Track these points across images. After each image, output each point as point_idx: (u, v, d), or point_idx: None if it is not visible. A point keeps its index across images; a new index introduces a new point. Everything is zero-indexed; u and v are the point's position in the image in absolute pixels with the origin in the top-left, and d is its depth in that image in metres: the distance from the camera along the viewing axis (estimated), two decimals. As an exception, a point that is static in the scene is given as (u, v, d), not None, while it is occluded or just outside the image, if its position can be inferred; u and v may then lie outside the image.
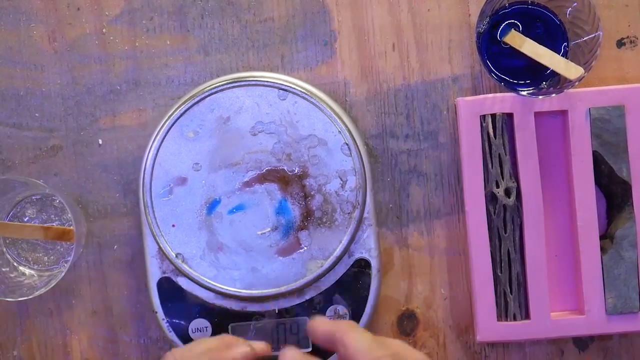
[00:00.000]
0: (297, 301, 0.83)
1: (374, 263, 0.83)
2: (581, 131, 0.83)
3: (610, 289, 0.83)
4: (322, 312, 0.83)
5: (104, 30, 0.85)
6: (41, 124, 0.86)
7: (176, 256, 0.82)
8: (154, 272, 0.83)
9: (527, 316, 0.83)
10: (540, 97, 0.81)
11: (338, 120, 0.82)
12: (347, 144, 0.82)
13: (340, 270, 0.83)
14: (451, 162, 0.86)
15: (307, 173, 0.82)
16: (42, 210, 0.85)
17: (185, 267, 0.82)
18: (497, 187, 0.83)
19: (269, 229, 0.82)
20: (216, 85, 0.83)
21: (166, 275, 0.83)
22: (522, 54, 0.81)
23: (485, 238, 0.83)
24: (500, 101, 0.83)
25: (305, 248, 0.82)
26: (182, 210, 0.82)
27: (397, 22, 0.85)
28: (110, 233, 0.86)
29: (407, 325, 0.86)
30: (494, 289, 0.83)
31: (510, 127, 0.84)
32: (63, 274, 0.81)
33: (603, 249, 0.83)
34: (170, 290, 0.83)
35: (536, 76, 0.83)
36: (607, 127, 0.83)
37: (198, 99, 0.82)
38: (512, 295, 0.83)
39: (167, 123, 0.82)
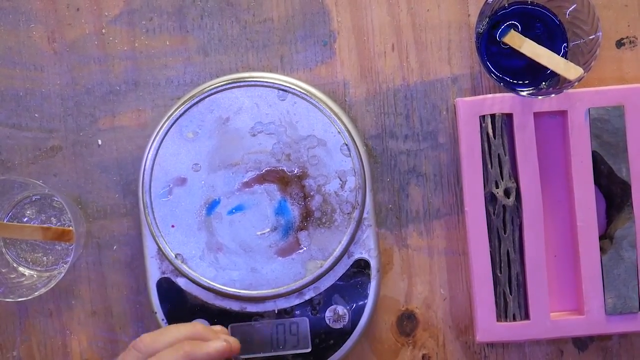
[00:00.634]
0: (297, 301, 0.83)
1: (373, 263, 0.83)
2: (581, 131, 0.83)
3: (610, 289, 0.83)
4: (322, 312, 0.83)
5: (103, 30, 0.85)
6: (41, 125, 0.86)
7: (176, 257, 0.82)
8: (154, 273, 0.83)
9: (526, 316, 0.83)
10: (540, 97, 0.81)
11: (337, 120, 0.82)
12: (346, 145, 0.82)
13: (340, 271, 0.83)
14: (450, 162, 0.86)
15: (307, 173, 0.82)
16: (41, 210, 0.85)
17: (184, 268, 0.82)
18: (497, 187, 0.83)
19: (268, 229, 0.82)
20: (216, 85, 0.83)
21: (166, 275, 0.83)
22: (522, 54, 0.81)
23: (484, 238, 0.83)
24: (500, 101, 0.83)
25: (305, 248, 0.82)
26: (182, 211, 0.82)
27: (396, 23, 0.85)
28: (109, 233, 0.86)
29: (406, 326, 0.86)
30: (493, 289, 0.83)
31: (509, 127, 0.84)
32: (62, 274, 0.81)
33: (602, 249, 0.83)
34: (169, 291, 0.83)
35: (535, 77, 0.83)
36: (607, 127, 0.83)
37: (197, 99, 0.82)
38: (512, 295, 0.83)
39: (166, 123, 0.82)
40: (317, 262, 0.82)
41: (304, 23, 0.85)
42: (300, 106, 0.82)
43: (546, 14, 0.83)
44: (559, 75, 0.81)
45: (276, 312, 0.83)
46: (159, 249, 0.82)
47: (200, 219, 0.82)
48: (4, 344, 0.86)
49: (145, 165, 0.82)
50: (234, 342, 0.74)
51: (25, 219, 0.85)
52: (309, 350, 0.83)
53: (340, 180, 0.82)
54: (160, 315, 0.83)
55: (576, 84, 0.80)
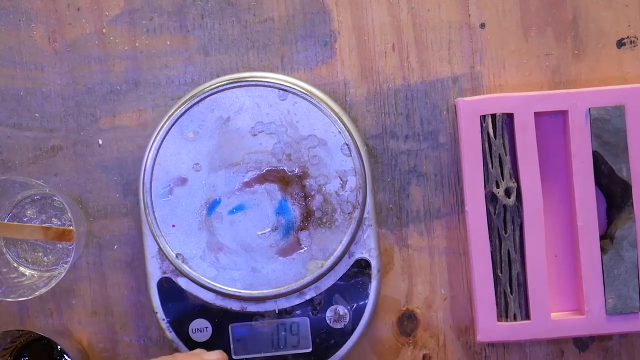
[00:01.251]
0: (297, 301, 0.83)
1: (374, 263, 0.83)
2: (581, 131, 0.83)
3: (610, 289, 0.83)
4: (322, 312, 0.83)
5: (104, 30, 0.85)
6: (41, 124, 0.86)
7: (176, 256, 0.82)
8: (154, 273, 0.83)
9: (527, 316, 0.83)
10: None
11: (338, 120, 0.82)
12: (347, 144, 0.82)
13: (340, 271, 0.83)
14: (451, 162, 0.86)
15: (307, 173, 0.82)
16: (42, 210, 0.85)
17: (185, 268, 0.82)
18: (497, 187, 0.83)
19: (269, 229, 0.82)
20: (216, 85, 0.83)
21: (166, 275, 0.83)
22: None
23: (485, 238, 0.83)
24: (501, 101, 0.83)
25: (306, 248, 0.82)
26: (182, 211, 0.82)
27: (397, 22, 0.85)
28: (110, 233, 0.86)
29: (407, 326, 0.86)
30: (494, 289, 0.83)
31: (510, 127, 0.84)
32: (63, 274, 0.81)
33: (603, 249, 0.83)
34: (170, 291, 0.83)
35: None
36: (607, 127, 0.83)
37: (198, 99, 0.82)
38: (512, 295, 0.83)
39: (167, 123, 0.82)
40: (317, 262, 0.82)
41: (305, 23, 0.86)
42: (301, 106, 0.82)
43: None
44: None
45: (277, 312, 0.83)
46: (160, 248, 0.82)
47: (201, 218, 0.82)
48: (5, 344, 0.86)
49: (145, 165, 0.82)
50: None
51: (26, 219, 0.85)
52: (309, 350, 0.83)
53: (341, 180, 0.82)
54: (160, 315, 0.83)
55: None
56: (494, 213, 0.83)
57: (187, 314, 0.83)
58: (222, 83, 0.83)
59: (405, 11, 0.85)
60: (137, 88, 0.86)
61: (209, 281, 0.82)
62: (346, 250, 0.82)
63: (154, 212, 0.82)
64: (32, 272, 0.85)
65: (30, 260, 0.86)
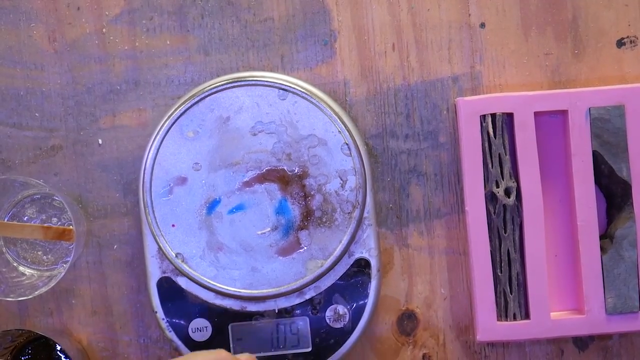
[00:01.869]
0: (297, 301, 0.83)
1: (374, 263, 0.83)
2: (581, 131, 0.83)
3: (610, 288, 0.83)
4: (322, 311, 0.83)
5: (104, 30, 0.85)
6: (41, 124, 0.86)
7: (176, 256, 0.82)
8: (154, 272, 0.83)
9: (527, 316, 0.83)
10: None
11: (338, 120, 0.82)
12: (347, 144, 0.82)
13: (340, 270, 0.83)
14: (451, 162, 0.86)
15: (307, 173, 0.82)
16: (42, 210, 0.85)
17: (185, 267, 0.82)
18: (497, 186, 0.83)
19: (269, 228, 0.82)
20: (216, 85, 0.83)
21: (166, 275, 0.83)
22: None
23: (485, 238, 0.83)
24: (500, 101, 0.83)
25: (305, 248, 0.82)
26: (182, 210, 0.82)
27: (397, 22, 0.85)
28: (110, 233, 0.86)
29: (407, 325, 0.86)
30: (494, 289, 0.83)
31: (510, 126, 0.84)
32: (63, 274, 0.81)
33: (603, 249, 0.83)
34: (170, 290, 0.83)
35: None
36: (607, 127, 0.83)
37: (198, 98, 0.82)
38: (512, 295, 0.83)
39: (167, 123, 0.82)
40: (317, 261, 0.82)
41: (305, 22, 0.86)
42: (301, 105, 0.83)
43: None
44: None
45: (276, 311, 0.83)
46: (160, 248, 0.82)
47: (201, 218, 0.82)
48: (4, 344, 0.86)
49: (145, 165, 0.82)
50: None
51: (26, 218, 0.85)
52: (309, 349, 0.83)
53: (341, 179, 0.82)
54: (160, 314, 0.83)
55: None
56: (494, 213, 0.83)
57: (186, 314, 0.83)
58: (222, 82, 0.83)
59: (405, 11, 0.85)
60: (137, 88, 0.86)
61: (208, 281, 0.82)
62: (346, 250, 0.82)
63: (153, 211, 0.82)
64: (32, 272, 0.85)
65: (30, 259, 0.86)
